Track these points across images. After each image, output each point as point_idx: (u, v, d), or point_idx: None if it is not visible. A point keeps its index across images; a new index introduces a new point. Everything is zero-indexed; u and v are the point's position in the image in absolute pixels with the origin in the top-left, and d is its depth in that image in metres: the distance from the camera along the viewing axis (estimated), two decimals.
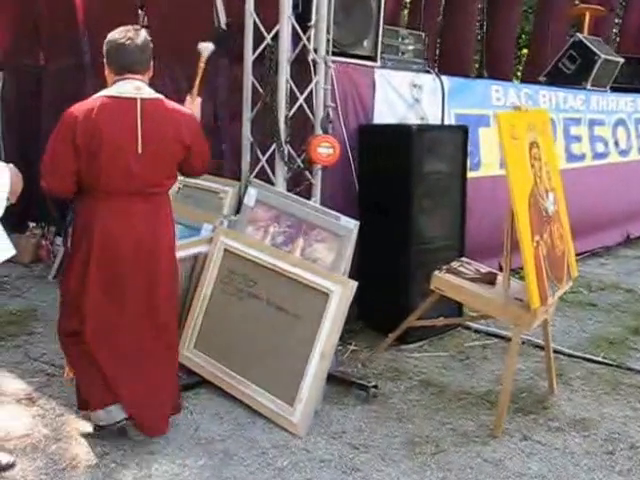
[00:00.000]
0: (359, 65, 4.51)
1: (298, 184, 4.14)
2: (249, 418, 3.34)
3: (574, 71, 6.83)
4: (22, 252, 5.32)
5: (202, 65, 3.52)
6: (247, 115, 4.24)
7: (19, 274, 5.52)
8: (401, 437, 3.23)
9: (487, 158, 5.45)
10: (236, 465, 2.95)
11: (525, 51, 12.17)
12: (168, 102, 3.05)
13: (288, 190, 4.08)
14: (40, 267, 5.73)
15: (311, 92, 4.11)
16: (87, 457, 2.95)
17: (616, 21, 10.90)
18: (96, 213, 2.94)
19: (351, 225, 3.57)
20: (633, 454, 3.14)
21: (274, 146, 4.09)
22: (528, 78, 8.45)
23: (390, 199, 4.32)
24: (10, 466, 2.83)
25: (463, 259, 3.96)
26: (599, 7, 8.19)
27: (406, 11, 11.13)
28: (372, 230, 3.99)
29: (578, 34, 7.06)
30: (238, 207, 4.14)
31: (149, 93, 2.98)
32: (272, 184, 4.09)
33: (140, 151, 2.90)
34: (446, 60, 8.79)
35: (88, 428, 3.14)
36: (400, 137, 4.36)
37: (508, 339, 4.17)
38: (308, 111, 4.13)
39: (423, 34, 5.40)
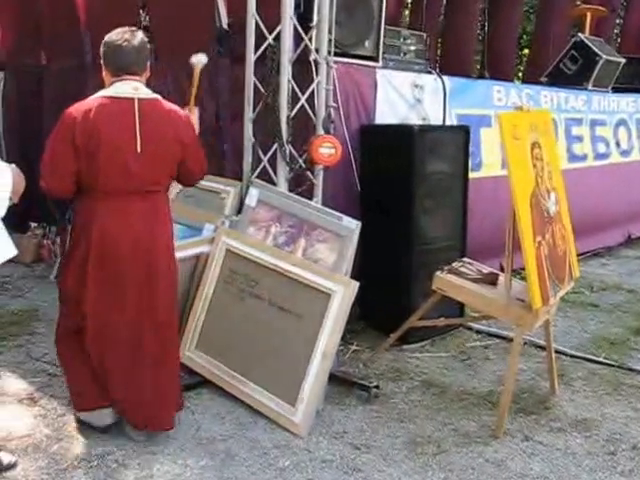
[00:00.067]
0: (361, 65, 4.51)
1: (300, 184, 4.14)
2: (251, 418, 3.34)
3: (575, 71, 6.83)
4: (24, 252, 5.31)
5: (197, 77, 3.54)
6: (249, 115, 4.24)
7: (21, 274, 5.53)
8: (403, 437, 3.23)
9: (488, 158, 5.45)
10: (238, 465, 2.95)
11: (526, 51, 12.16)
12: (165, 102, 3.07)
13: (290, 190, 4.08)
14: (41, 267, 5.73)
15: (313, 92, 4.11)
16: (89, 457, 2.95)
17: (617, 21, 10.90)
18: (94, 212, 2.96)
19: (353, 225, 3.57)
20: (635, 454, 3.14)
21: (276, 146, 4.09)
22: (529, 78, 8.45)
23: (392, 199, 4.32)
24: (12, 466, 2.83)
25: (465, 259, 3.96)
26: (600, 7, 8.19)
27: (407, 11, 11.13)
28: (374, 230, 3.98)
29: (579, 34, 7.05)
30: (240, 207, 4.15)
31: (146, 93, 3.00)
32: (274, 184, 4.09)
33: (139, 150, 2.92)
34: (447, 60, 8.78)
35: (89, 428, 3.14)
36: (402, 137, 4.36)
37: (509, 339, 4.17)
38: (310, 111, 4.13)
39: (425, 34, 5.40)
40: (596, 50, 6.76)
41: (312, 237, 3.66)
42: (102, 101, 2.93)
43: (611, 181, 6.89)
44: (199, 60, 3.54)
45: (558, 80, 6.83)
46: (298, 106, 4.10)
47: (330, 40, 4.05)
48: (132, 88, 2.95)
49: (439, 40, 9.55)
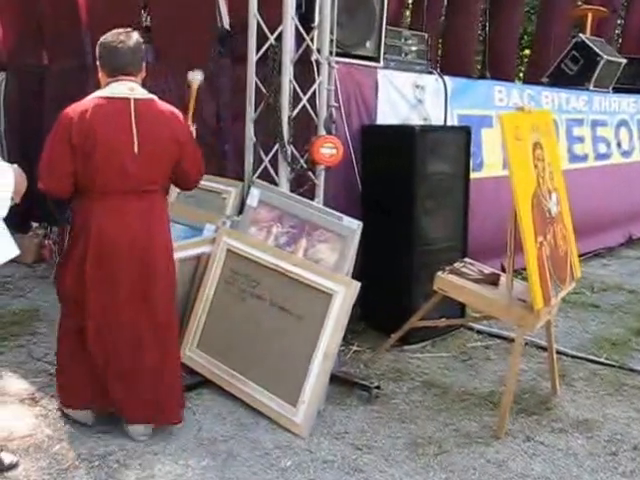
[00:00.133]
0: (362, 66, 4.51)
1: (301, 184, 4.14)
2: (252, 419, 3.34)
3: (577, 72, 6.83)
4: (25, 252, 5.30)
5: (193, 94, 3.55)
6: (250, 115, 4.24)
7: (22, 274, 5.53)
8: (404, 438, 3.23)
9: (490, 159, 5.45)
10: (239, 466, 2.95)
11: (527, 52, 12.16)
12: (161, 102, 3.09)
13: (291, 190, 4.08)
14: (43, 267, 5.74)
15: (314, 92, 4.11)
16: (90, 457, 2.95)
17: (618, 22, 10.89)
18: (92, 212, 2.98)
19: (354, 226, 3.57)
20: (636, 455, 3.14)
21: (277, 146, 4.09)
22: (530, 79, 8.45)
23: (393, 200, 4.32)
24: (13, 466, 2.83)
25: (466, 260, 3.95)
26: (601, 8, 8.19)
27: (408, 12, 11.13)
28: (375, 231, 3.98)
29: (580, 35, 7.06)
30: (241, 207, 4.15)
31: (142, 93, 3.02)
32: (275, 184, 4.09)
33: (136, 150, 2.94)
34: (448, 61, 8.78)
35: (90, 428, 3.15)
36: (403, 138, 4.36)
37: (510, 340, 4.17)
38: (311, 111, 4.13)
39: (426, 35, 5.40)
40: (597, 50, 6.76)
41: (313, 237, 3.66)
42: (98, 101, 2.95)
43: (612, 182, 6.89)
44: (194, 77, 3.55)
45: (559, 80, 6.83)
46: (299, 106, 4.10)
47: (331, 40, 4.06)
48: (128, 88, 2.98)
49: (440, 40, 9.55)
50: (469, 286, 3.57)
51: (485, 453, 3.12)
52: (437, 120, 5.04)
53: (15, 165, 2.73)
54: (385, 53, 4.65)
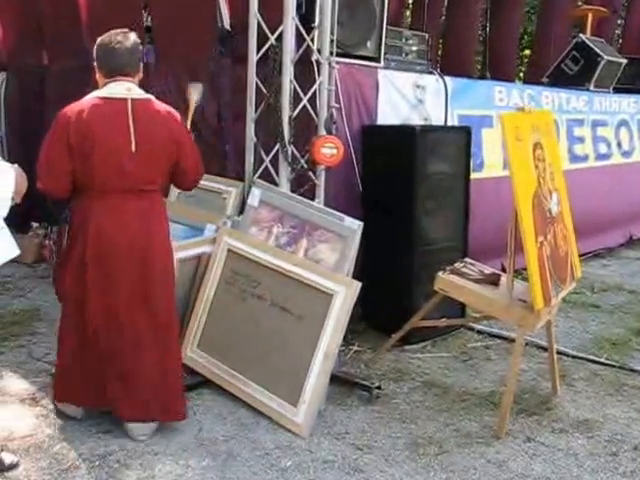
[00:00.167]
0: (363, 66, 4.51)
1: (302, 185, 4.14)
2: (252, 419, 3.34)
3: (577, 72, 6.84)
4: (25, 252, 5.31)
5: (193, 105, 3.56)
6: (251, 116, 4.25)
7: (22, 274, 5.53)
8: (404, 438, 3.23)
9: (490, 159, 5.46)
10: (239, 466, 2.95)
11: (527, 52, 12.15)
12: (158, 102, 3.11)
13: (292, 191, 4.08)
14: (43, 267, 5.74)
15: (315, 93, 4.12)
16: (90, 457, 2.95)
17: (619, 22, 10.88)
18: (90, 211, 3.00)
19: (355, 226, 3.57)
20: (637, 455, 3.14)
21: (278, 146, 4.09)
22: (531, 79, 8.44)
23: (393, 200, 4.32)
24: (14, 466, 2.83)
25: (466, 260, 3.95)
26: (602, 8, 8.18)
27: (408, 12, 11.13)
28: (375, 231, 3.98)
29: (581, 35, 7.06)
30: (242, 207, 4.15)
31: (139, 94, 3.04)
32: (276, 184, 4.10)
33: (134, 150, 2.95)
34: (448, 61, 8.77)
35: (91, 428, 3.16)
36: (403, 138, 4.36)
37: (511, 340, 4.17)
38: (312, 112, 4.13)
39: (426, 35, 5.41)
40: (597, 51, 6.76)
41: (314, 237, 3.66)
42: (95, 102, 2.97)
43: (612, 182, 6.89)
44: (194, 91, 3.57)
45: (559, 81, 6.83)
46: (300, 106, 4.10)
47: (332, 40, 4.06)
48: (125, 89, 3.00)
49: (440, 41, 9.54)
50: (469, 286, 3.57)
51: (485, 453, 3.12)
52: (437, 120, 5.04)
53: (16, 165, 2.73)
54: (386, 53, 4.66)
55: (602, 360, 4.19)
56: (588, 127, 6.72)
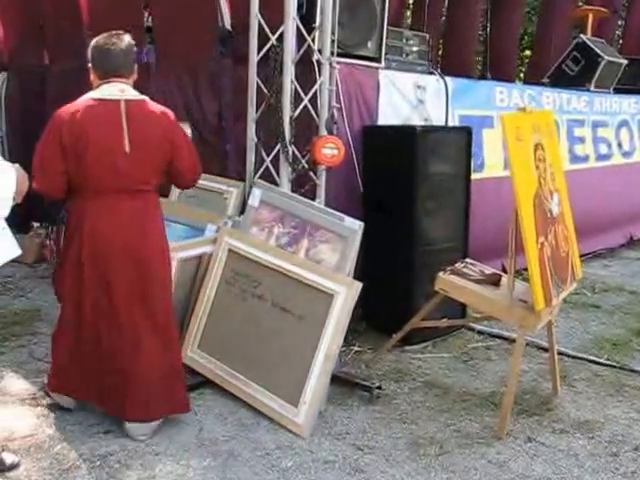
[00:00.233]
0: (363, 66, 4.51)
1: (302, 185, 4.14)
2: (253, 419, 3.34)
3: (577, 72, 6.84)
4: (26, 252, 5.28)
5: None
6: (252, 116, 4.24)
7: (23, 274, 5.53)
8: (405, 438, 3.23)
9: (491, 159, 5.46)
10: (240, 466, 2.95)
11: (528, 53, 12.14)
12: (153, 103, 3.12)
13: (292, 191, 4.08)
14: (43, 267, 5.73)
15: (316, 93, 4.12)
16: (91, 457, 2.95)
17: (619, 23, 10.88)
18: (85, 212, 3.02)
19: (355, 226, 3.57)
20: (637, 456, 3.14)
21: (278, 147, 4.09)
22: (531, 80, 8.43)
23: (394, 200, 4.32)
24: (14, 466, 2.83)
25: (467, 260, 3.95)
26: (602, 9, 8.18)
27: (409, 12, 11.12)
28: (376, 231, 3.98)
29: (581, 35, 7.06)
30: (242, 208, 4.15)
31: (133, 95, 3.06)
32: (276, 185, 4.09)
33: (128, 150, 2.97)
34: (449, 61, 8.77)
35: (91, 428, 3.15)
36: (404, 138, 4.36)
37: (511, 340, 4.17)
38: (313, 112, 4.13)
39: (427, 35, 5.41)
40: (598, 51, 6.76)
41: (315, 238, 3.66)
42: (89, 103, 2.99)
43: (613, 182, 6.89)
44: (184, 126, 3.62)
45: (560, 81, 6.83)
46: (301, 107, 4.10)
47: (333, 41, 4.06)
48: (119, 90, 3.02)
49: (441, 41, 9.54)
50: (470, 286, 3.57)
51: (486, 454, 3.12)
52: (438, 120, 5.04)
53: (17, 165, 2.73)
54: (386, 53, 4.66)
55: (603, 361, 4.18)
56: (589, 127, 6.72)
